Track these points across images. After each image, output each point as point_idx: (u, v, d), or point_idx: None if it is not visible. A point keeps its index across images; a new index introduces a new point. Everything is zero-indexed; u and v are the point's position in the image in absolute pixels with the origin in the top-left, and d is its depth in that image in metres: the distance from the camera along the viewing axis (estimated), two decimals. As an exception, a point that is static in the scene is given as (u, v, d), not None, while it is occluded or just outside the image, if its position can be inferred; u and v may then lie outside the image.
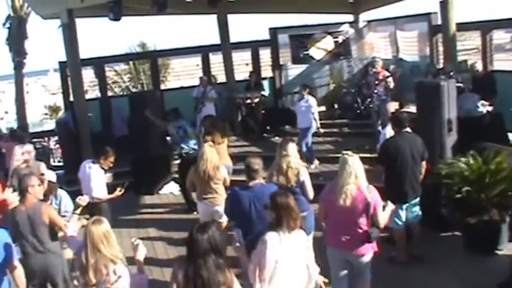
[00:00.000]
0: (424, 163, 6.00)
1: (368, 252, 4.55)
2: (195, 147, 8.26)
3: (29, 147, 6.96)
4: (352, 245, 4.50)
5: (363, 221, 4.48)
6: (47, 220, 4.84)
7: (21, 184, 4.94)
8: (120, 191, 6.51)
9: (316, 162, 9.72)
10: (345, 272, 4.62)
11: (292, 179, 5.23)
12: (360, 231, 4.49)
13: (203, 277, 3.22)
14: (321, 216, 4.80)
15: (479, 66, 9.98)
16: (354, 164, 4.48)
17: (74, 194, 6.74)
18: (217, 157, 6.29)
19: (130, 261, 3.87)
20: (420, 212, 5.99)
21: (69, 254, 5.12)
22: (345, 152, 4.65)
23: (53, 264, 4.93)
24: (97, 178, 6.45)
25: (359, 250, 4.51)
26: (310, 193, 5.34)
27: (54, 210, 5.03)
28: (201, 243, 3.25)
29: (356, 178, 4.45)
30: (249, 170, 4.91)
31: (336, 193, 4.49)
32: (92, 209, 6.42)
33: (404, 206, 5.85)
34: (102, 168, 6.53)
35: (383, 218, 4.57)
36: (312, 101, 9.74)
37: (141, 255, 3.83)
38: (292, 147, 5.36)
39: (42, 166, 7.06)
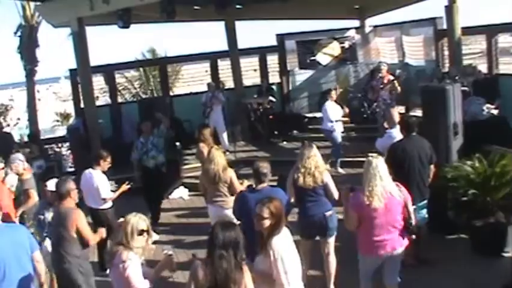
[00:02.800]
0: (432, 166, 6.01)
1: (403, 245, 4.70)
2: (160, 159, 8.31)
3: None
4: (392, 245, 4.60)
5: (399, 219, 4.60)
6: (74, 228, 4.90)
7: (62, 187, 5.04)
8: (125, 185, 6.72)
9: None
10: (373, 271, 4.83)
11: (319, 179, 5.30)
12: (398, 229, 4.61)
13: (220, 271, 3.23)
14: (352, 225, 4.66)
15: (480, 69, 9.99)
16: (378, 165, 4.55)
17: (80, 201, 6.92)
18: (225, 159, 6.35)
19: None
20: (427, 215, 6.00)
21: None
22: (370, 154, 4.70)
23: (67, 268, 4.96)
24: (101, 181, 6.64)
25: (396, 246, 4.63)
26: (335, 193, 5.38)
27: (85, 220, 5.08)
28: (222, 237, 3.29)
29: (383, 179, 4.52)
30: (258, 173, 5.02)
31: (368, 197, 4.49)
32: (98, 218, 6.60)
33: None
34: (103, 172, 6.72)
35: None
36: None
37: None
38: (316, 150, 5.45)
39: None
